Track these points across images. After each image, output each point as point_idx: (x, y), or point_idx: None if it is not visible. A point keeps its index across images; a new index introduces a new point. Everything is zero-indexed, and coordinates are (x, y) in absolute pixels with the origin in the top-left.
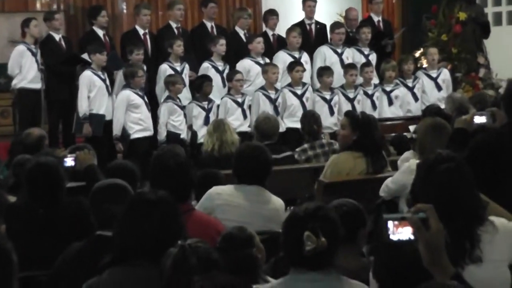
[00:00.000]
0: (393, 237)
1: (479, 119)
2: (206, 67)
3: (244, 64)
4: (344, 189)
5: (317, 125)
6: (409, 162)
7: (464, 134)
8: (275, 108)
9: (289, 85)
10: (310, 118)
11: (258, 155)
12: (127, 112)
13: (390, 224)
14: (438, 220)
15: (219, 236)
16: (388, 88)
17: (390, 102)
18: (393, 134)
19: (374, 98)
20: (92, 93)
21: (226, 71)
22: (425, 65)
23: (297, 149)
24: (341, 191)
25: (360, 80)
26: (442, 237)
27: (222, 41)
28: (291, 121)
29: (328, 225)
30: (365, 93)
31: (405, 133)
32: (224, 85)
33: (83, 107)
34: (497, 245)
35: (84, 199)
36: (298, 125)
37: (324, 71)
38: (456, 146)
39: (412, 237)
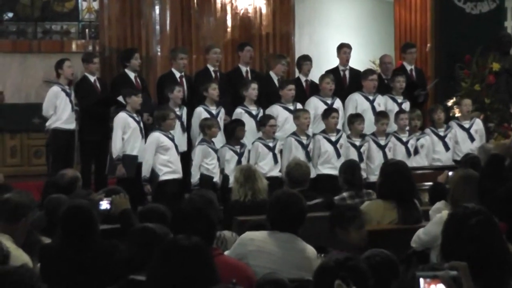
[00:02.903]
0: None
1: None
2: (239, 113)
3: (273, 110)
4: (376, 238)
5: (360, 175)
6: (441, 213)
7: (501, 161)
8: (307, 154)
9: (323, 131)
10: (353, 167)
11: (294, 203)
12: (156, 154)
13: (422, 281)
14: (470, 278)
15: (248, 281)
16: (414, 137)
17: (416, 151)
18: (428, 183)
19: (409, 145)
20: (126, 134)
21: (260, 115)
22: (457, 114)
23: (336, 197)
24: (373, 240)
25: (393, 127)
26: None
27: (254, 86)
28: (325, 168)
29: (358, 276)
30: (400, 140)
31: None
32: (259, 130)
33: (117, 148)
34: None
35: (118, 242)
36: (332, 172)
37: (355, 118)
38: (492, 172)
39: None
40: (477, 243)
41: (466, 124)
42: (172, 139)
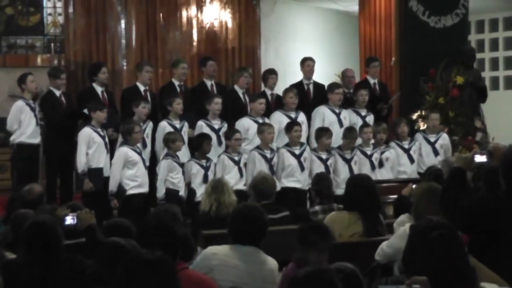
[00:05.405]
0: None
1: (480, 158)
2: (200, 125)
3: (243, 123)
4: (341, 251)
5: (331, 187)
6: (405, 226)
7: (462, 174)
8: (271, 168)
9: (287, 145)
10: (326, 181)
11: (255, 216)
12: (124, 169)
13: None
14: None
15: None
16: (379, 151)
17: (381, 164)
18: (393, 196)
19: (373, 159)
20: (91, 149)
21: (223, 129)
22: (422, 128)
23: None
24: (337, 252)
25: (358, 141)
26: None
27: (217, 100)
28: (289, 181)
29: None
30: (364, 154)
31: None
32: (220, 144)
33: (81, 163)
34: None
35: (82, 258)
36: (296, 185)
37: (323, 133)
38: (454, 185)
39: None
40: (438, 256)
41: (432, 138)
42: (140, 153)
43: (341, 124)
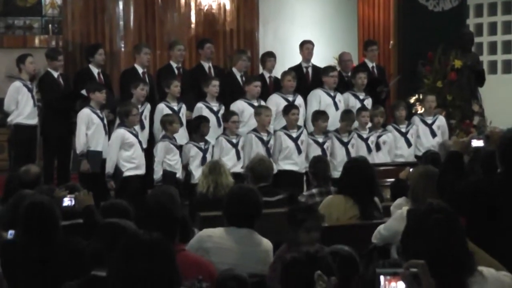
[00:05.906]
0: None
1: (477, 143)
2: (199, 107)
3: (238, 106)
4: (337, 233)
5: (329, 170)
6: (401, 209)
7: (459, 158)
8: (267, 150)
9: (284, 127)
10: (323, 164)
11: (250, 198)
12: (120, 150)
13: (382, 278)
14: (429, 276)
15: (210, 277)
16: (376, 134)
17: (378, 148)
18: (390, 180)
19: (369, 142)
20: (90, 130)
21: (221, 111)
22: (419, 111)
23: (305, 193)
24: (334, 235)
25: (355, 124)
26: None
27: (215, 82)
28: (286, 164)
29: (327, 270)
30: (361, 137)
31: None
32: (219, 125)
33: (81, 143)
34: None
35: (80, 239)
36: (293, 168)
37: (320, 116)
38: (451, 169)
39: None
40: (437, 240)
41: (429, 120)
42: (136, 135)
43: (336, 107)
